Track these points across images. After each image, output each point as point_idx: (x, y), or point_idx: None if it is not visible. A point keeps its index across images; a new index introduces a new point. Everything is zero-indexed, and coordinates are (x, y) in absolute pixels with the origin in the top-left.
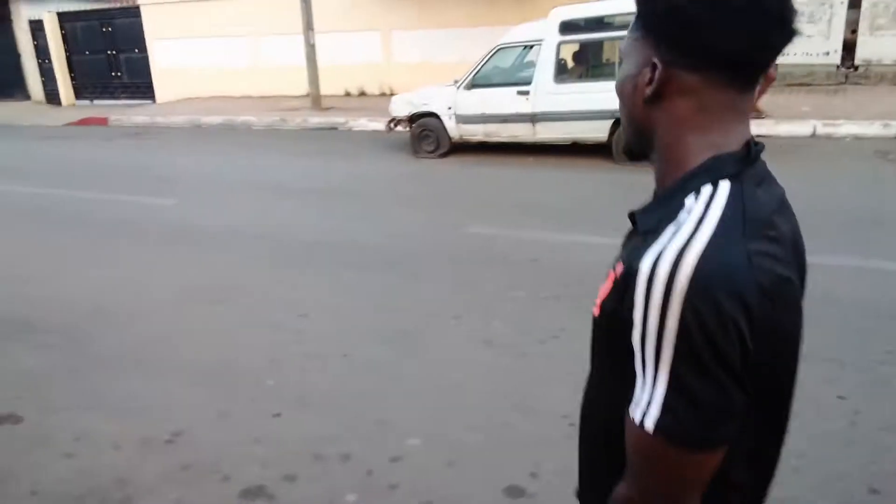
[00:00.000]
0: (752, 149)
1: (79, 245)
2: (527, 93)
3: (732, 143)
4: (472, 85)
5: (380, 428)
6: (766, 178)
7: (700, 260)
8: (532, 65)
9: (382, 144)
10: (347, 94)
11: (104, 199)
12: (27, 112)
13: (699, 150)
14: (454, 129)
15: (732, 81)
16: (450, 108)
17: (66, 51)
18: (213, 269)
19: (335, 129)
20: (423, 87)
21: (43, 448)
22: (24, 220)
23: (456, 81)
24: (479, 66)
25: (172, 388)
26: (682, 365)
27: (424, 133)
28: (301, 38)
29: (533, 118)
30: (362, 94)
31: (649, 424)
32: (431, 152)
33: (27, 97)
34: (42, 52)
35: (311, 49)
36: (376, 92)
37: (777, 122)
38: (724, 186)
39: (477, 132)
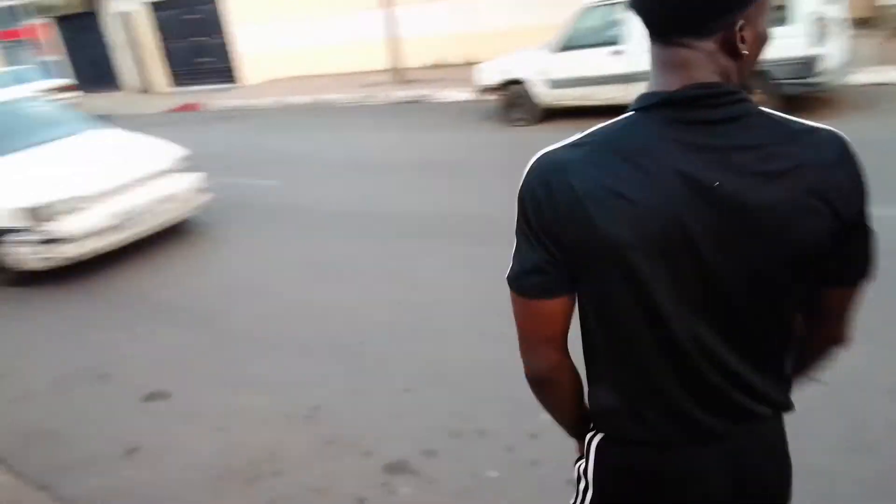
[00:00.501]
0: (686, 92)
1: (200, 228)
2: (621, 52)
3: (670, 86)
4: (564, 47)
5: (514, 404)
6: (711, 122)
7: (542, 155)
8: (621, 23)
9: (470, 115)
10: (428, 66)
11: (213, 183)
12: (125, 101)
13: (647, 89)
14: (546, 95)
15: (653, 39)
16: (541, 74)
17: (158, 39)
18: (327, 247)
19: (420, 101)
20: (512, 53)
21: (194, 423)
22: None
23: (546, 45)
24: (569, 28)
25: (305, 364)
26: (516, 228)
27: (515, 100)
28: (381, 12)
29: (627, 79)
30: (444, 64)
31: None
32: (523, 120)
33: (123, 87)
34: (135, 43)
35: (392, 22)
36: (459, 61)
37: None
38: (626, 115)
39: (569, 97)
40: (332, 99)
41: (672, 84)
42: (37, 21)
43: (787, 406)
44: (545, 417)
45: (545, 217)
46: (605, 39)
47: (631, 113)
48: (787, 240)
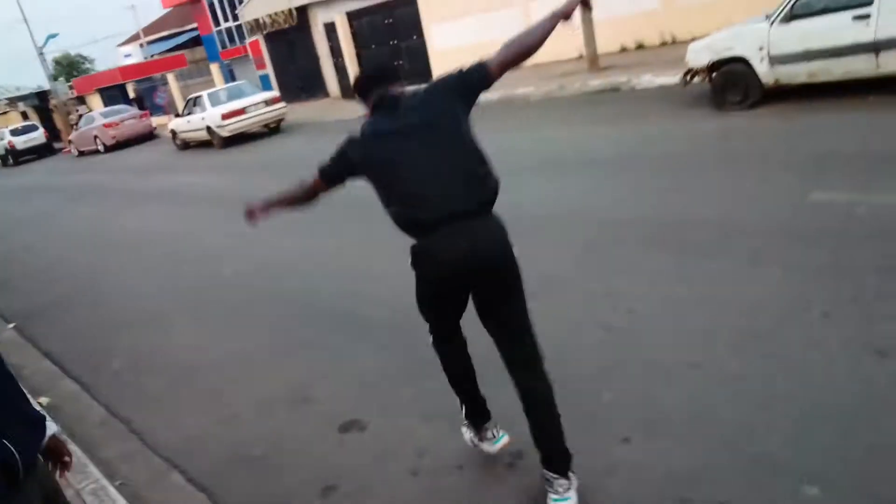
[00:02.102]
0: (384, 100)
1: (381, 236)
2: (867, 16)
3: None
4: (791, 16)
5: (760, 466)
6: (391, 114)
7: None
8: None
9: (675, 101)
10: (624, 50)
11: None
12: (327, 108)
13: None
14: (767, 74)
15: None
16: (761, 49)
17: (355, 47)
18: (523, 257)
19: (617, 89)
20: (721, 28)
21: (390, 461)
22: (340, 214)
23: (768, 16)
24: None
25: (505, 397)
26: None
27: (729, 82)
28: None
29: (876, 47)
30: (640, 47)
31: None
32: (739, 103)
33: (326, 95)
34: (336, 52)
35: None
36: (656, 42)
37: None
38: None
39: (798, 73)
40: (524, 92)
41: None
42: (253, 38)
43: (490, 211)
44: (807, 491)
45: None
46: (845, 3)
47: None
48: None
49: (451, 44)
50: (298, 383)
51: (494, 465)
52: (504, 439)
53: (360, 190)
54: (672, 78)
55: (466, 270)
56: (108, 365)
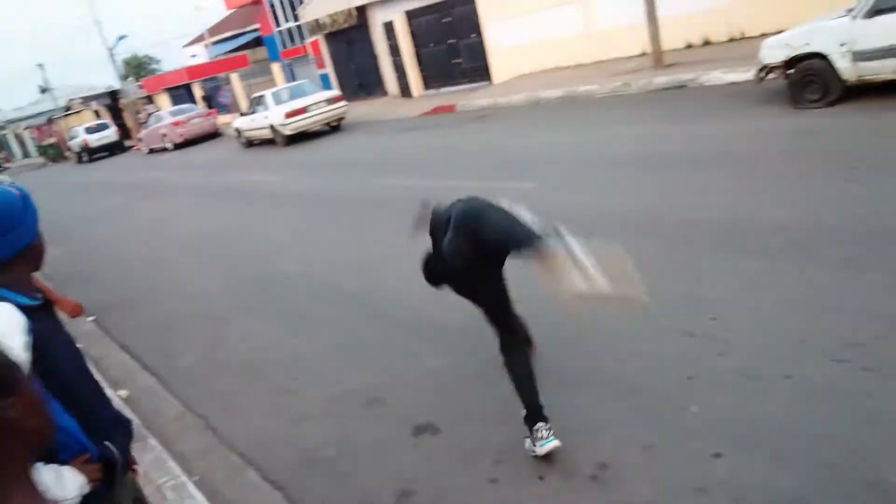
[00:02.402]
0: None
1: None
2: None
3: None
4: (875, 11)
5: (872, 490)
6: None
7: None
8: None
9: (746, 98)
10: (689, 46)
11: (467, 187)
12: (386, 107)
13: None
14: (849, 70)
15: None
16: (843, 45)
17: (414, 46)
18: None
19: (684, 86)
20: (798, 24)
21: (467, 467)
22: (400, 213)
23: (849, 11)
24: None
25: (587, 404)
26: None
27: (807, 79)
28: None
29: None
30: (707, 43)
31: None
32: (817, 101)
33: (385, 93)
34: (395, 51)
35: (651, 3)
36: (723, 38)
37: None
38: None
39: (883, 69)
40: (585, 91)
41: None
42: (313, 38)
43: None
44: None
45: None
46: None
47: None
48: None
49: (509, 42)
50: (367, 383)
51: (577, 476)
52: (553, 443)
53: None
54: (743, 75)
55: None
56: (180, 360)
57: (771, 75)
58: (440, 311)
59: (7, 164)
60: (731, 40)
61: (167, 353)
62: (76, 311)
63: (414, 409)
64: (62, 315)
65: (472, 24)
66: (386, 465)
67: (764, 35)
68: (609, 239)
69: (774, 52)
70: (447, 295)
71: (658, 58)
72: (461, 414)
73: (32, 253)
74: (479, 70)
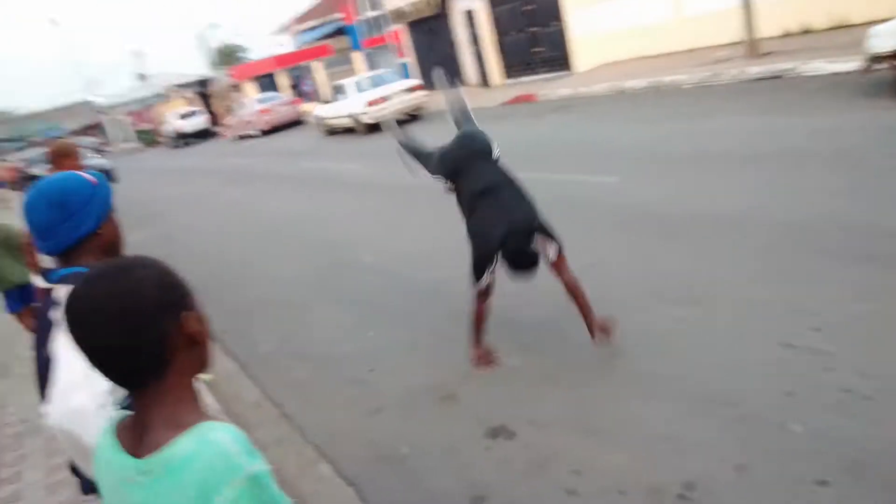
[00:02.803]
0: None
1: None
2: None
3: None
4: None
5: None
6: None
7: None
8: None
9: (850, 91)
10: (787, 35)
11: (546, 179)
12: (466, 96)
13: None
14: None
15: None
16: None
17: (494, 34)
18: (675, 259)
19: (780, 77)
20: None
21: (542, 476)
22: None
23: None
24: None
25: (675, 416)
26: None
27: None
28: None
29: None
30: (806, 31)
31: None
32: None
33: (464, 83)
34: (475, 39)
35: None
36: (824, 25)
37: None
38: None
39: None
40: (672, 80)
41: None
42: (395, 27)
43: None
44: None
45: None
46: None
47: None
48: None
49: (592, 29)
50: (442, 379)
51: (662, 495)
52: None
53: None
54: (847, 65)
55: None
56: (261, 346)
57: (879, 66)
58: (517, 308)
59: (106, 149)
60: (834, 28)
61: (248, 338)
62: None
63: (488, 410)
64: None
65: (554, 12)
66: (458, 468)
67: (871, 23)
68: (698, 237)
69: (883, 40)
70: (524, 292)
71: (753, 46)
72: (537, 418)
73: (98, 241)
74: (559, 59)
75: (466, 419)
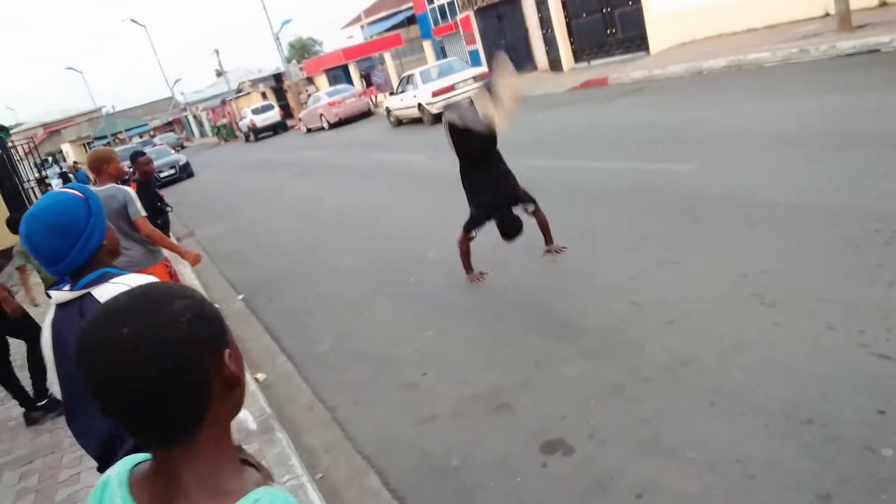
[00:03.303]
0: None
1: (602, 223)
2: None
3: None
4: None
5: None
6: None
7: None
8: None
9: None
10: (884, 4)
11: (618, 168)
12: (534, 82)
13: None
14: None
15: None
16: None
17: (565, 17)
18: (758, 255)
19: (877, 51)
20: None
21: (602, 498)
22: (551, 198)
23: None
24: None
25: (749, 433)
26: None
27: None
28: None
29: None
30: None
31: None
32: None
33: (534, 68)
34: (545, 23)
35: None
36: None
37: None
38: None
39: None
40: (754, 59)
41: None
42: (464, 14)
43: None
44: None
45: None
46: None
47: None
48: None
49: (670, 7)
50: (497, 386)
51: None
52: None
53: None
54: None
55: None
56: (318, 345)
57: None
58: (579, 311)
59: (187, 143)
60: None
61: (306, 337)
62: (196, 260)
63: (545, 422)
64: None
65: None
66: (512, 485)
67: None
68: (776, 228)
69: None
70: (586, 293)
71: (845, 18)
72: (597, 433)
73: (104, 250)
74: (634, 40)
75: (521, 431)
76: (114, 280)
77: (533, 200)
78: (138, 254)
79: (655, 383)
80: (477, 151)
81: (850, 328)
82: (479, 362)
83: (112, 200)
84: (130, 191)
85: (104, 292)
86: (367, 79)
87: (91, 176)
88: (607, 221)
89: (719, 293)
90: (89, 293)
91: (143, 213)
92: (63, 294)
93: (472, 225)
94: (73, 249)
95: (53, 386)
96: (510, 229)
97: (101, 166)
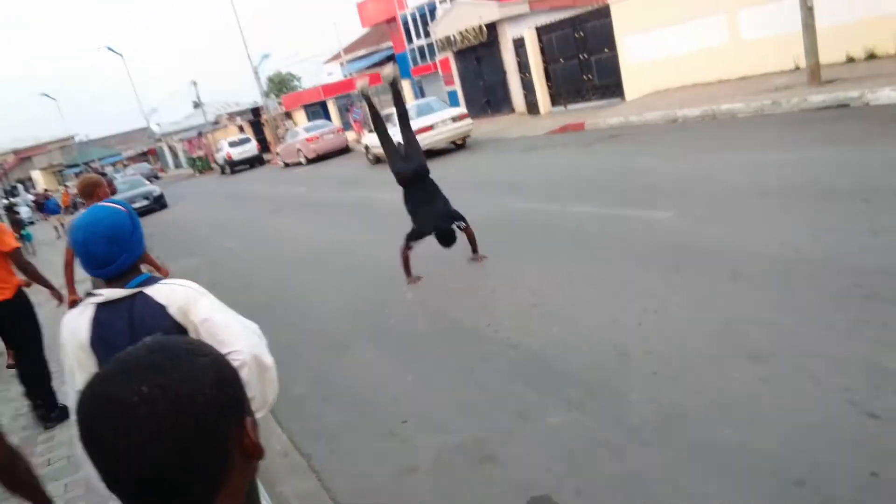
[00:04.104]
0: None
1: (582, 268)
2: None
3: None
4: None
5: None
6: None
7: None
8: None
9: None
10: (851, 60)
11: (597, 213)
12: (512, 124)
13: None
14: None
15: None
16: None
17: (543, 62)
18: (740, 307)
19: (846, 105)
20: None
21: None
22: (530, 239)
23: None
24: None
25: (737, 496)
26: None
27: None
28: (789, 2)
29: None
30: (871, 56)
31: None
32: None
33: (511, 110)
34: (523, 67)
35: (807, 12)
36: (891, 51)
37: None
38: None
39: None
40: (728, 109)
41: None
42: (443, 55)
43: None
44: None
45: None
46: None
47: None
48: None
49: (645, 56)
50: (480, 436)
51: None
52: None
53: (565, 223)
54: None
55: None
56: (294, 387)
57: None
58: (563, 356)
59: (161, 174)
60: None
61: (283, 377)
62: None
63: (530, 475)
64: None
65: (605, 39)
66: None
67: None
68: (763, 281)
69: None
70: (569, 339)
71: (814, 72)
72: (586, 488)
73: (142, 259)
74: (610, 86)
75: (507, 486)
76: (163, 282)
77: (463, 218)
78: None
79: (643, 436)
80: (414, 181)
81: (837, 384)
82: (461, 410)
83: None
84: None
85: (158, 291)
86: (346, 115)
87: (63, 203)
88: (587, 265)
89: (703, 344)
90: (142, 292)
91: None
92: (114, 292)
93: (413, 237)
94: (122, 255)
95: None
96: (447, 240)
97: (94, 190)
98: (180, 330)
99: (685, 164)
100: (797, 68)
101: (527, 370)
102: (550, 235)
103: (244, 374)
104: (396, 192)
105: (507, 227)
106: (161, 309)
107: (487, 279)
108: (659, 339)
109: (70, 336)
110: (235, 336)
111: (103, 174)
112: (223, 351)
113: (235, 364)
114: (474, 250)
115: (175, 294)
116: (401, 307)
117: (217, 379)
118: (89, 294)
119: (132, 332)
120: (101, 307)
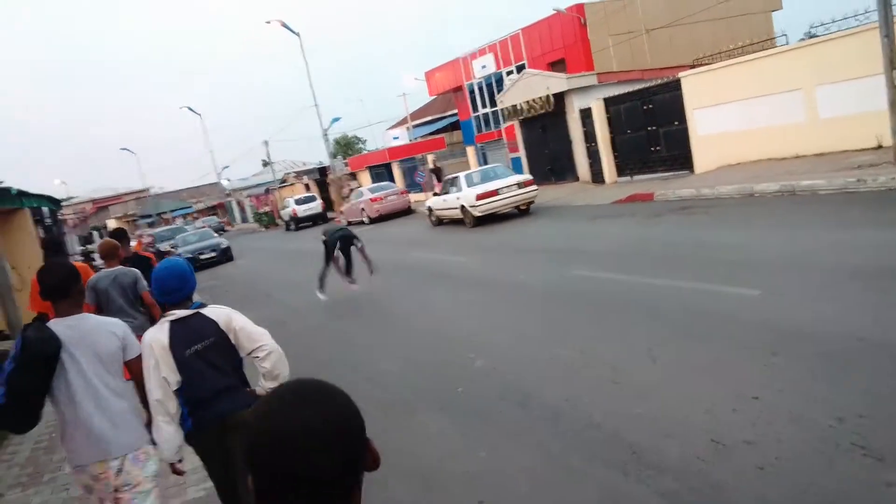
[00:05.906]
0: None
1: (664, 345)
2: None
3: None
4: None
5: None
6: None
7: None
8: None
9: None
10: None
11: (674, 287)
12: (577, 192)
13: None
14: None
15: None
16: None
17: (609, 132)
18: (850, 395)
19: None
20: None
21: None
22: (606, 310)
23: None
24: None
25: None
26: None
27: None
28: (874, 80)
29: None
30: None
31: None
32: None
33: (576, 178)
34: (589, 137)
35: (893, 90)
36: None
37: None
38: None
39: None
40: (808, 185)
41: None
42: (508, 123)
43: None
44: None
45: None
46: None
47: None
48: None
49: (716, 130)
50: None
51: None
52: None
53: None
54: None
55: None
56: None
57: None
58: (651, 440)
59: (228, 227)
60: None
61: None
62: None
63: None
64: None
65: (674, 111)
66: None
67: None
68: (873, 373)
69: None
70: (656, 422)
71: None
72: None
73: (145, 297)
74: (678, 158)
75: None
76: (210, 306)
77: (359, 239)
78: (140, 321)
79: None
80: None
81: None
82: (539, 494)
83: (124, 277)
84: (137, 271)
85: (209, 311)
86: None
87: (136, 251)
88: (669, 342)
89: (812, 438)
90: (199, 312)
91: (148, 288)
92: (181, 312)
93: (327, 259)
94: (184, 288)
95: (157, 391)
96: (347, 254)
97: (114, 251)
98: (224, 337)
99: (766, 240)
100: (879, 146)
101: (612, 454)
102: (625, 308)
103: (274, 359)
104: (461, 255)
105: (574, 297)
106: (213, 323)
107: (560, 349)
108: (760, 429)
109: (154, 342)
110: (263, 335)
111: (123, 232)
112: (257, 345)
113: (266, 351)
114: (371, 271)
115: (220, 312)
116: (469, 375)
117: (356, 407)
118: (164, 315)
119: (194, 337)
120: (174, 322)
